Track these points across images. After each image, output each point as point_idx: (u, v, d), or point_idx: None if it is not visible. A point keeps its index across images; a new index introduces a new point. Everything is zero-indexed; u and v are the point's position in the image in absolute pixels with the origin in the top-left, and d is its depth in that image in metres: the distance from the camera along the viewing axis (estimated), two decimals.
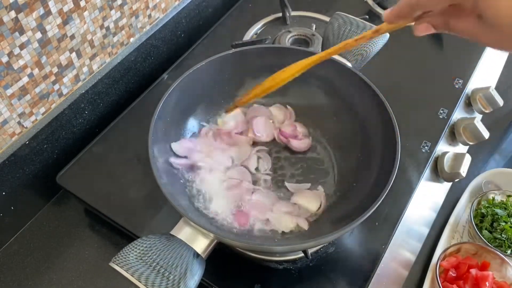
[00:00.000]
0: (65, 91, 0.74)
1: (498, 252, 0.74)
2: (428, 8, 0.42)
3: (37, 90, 0.68)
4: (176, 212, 0.52)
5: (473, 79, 0.90)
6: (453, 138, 0.85)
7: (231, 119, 0.74)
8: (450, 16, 0.42)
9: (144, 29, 0.86)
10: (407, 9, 0.43)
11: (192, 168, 0.67)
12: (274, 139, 0.74)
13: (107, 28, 0.76)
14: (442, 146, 0.81)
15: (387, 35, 0.75)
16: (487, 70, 0.97)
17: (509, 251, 0.77)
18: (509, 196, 0.84)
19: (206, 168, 0.67)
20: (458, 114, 0.86)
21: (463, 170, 0.77)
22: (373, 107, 0.63)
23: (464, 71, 0.90)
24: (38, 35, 0.64)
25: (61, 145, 0.76)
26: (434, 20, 0.44)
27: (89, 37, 0.73)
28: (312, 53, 0.69)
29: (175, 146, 0.66)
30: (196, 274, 0.49)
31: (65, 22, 0.67)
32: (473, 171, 0.89)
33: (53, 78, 0.70)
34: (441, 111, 0.83)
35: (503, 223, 0.79)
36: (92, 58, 0.76)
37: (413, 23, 0.46)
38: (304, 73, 0.71)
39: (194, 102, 0.70)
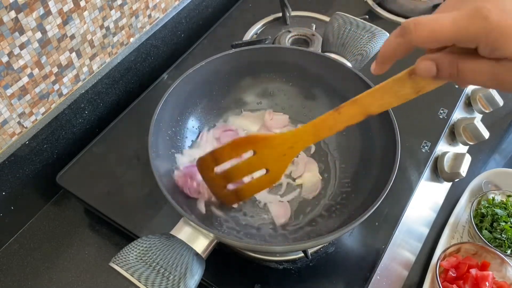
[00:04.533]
0: (65, 91, 0.74)
1: (498, 252, 0.74)
2: (424, 46, 0.35)
3: (37, 90, 0.68)
4: (176, 212, 0.52)
5: None
6: (453, 138, 0.85)
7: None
8: (459, 57, 0.35)
9: (144, 29, 0.86)
10: (394, 49, 0.38)
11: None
12: None
13: (107, 28, 0.76)
14: (442, 146, 0.81)
15: (387, 34, 0.75)
16: None
17: (509, 251, 0.77)
18: (509, 196, 0.84)
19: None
20: (458, 114, 0.86)
21: (463, 170, 0.77)
22: None
23: None
24: (38, 35, 0.64)
25: (61, 145, 0.76)
26: (439, 59, 0.36)
27: (89, 37, 0.73)
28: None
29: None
30: (196, 274, 0.49)
31: (65, 22, 0.67)
32: (473, 171, 0.88)
33: (53, 78, 0.70)
34: (441, 111, 0.83)
35: (503, 223, 0.79)
36: (92, 58, 0.76)
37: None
38: (303, 73, 0.71)
39: (194, 102, 0.70)
